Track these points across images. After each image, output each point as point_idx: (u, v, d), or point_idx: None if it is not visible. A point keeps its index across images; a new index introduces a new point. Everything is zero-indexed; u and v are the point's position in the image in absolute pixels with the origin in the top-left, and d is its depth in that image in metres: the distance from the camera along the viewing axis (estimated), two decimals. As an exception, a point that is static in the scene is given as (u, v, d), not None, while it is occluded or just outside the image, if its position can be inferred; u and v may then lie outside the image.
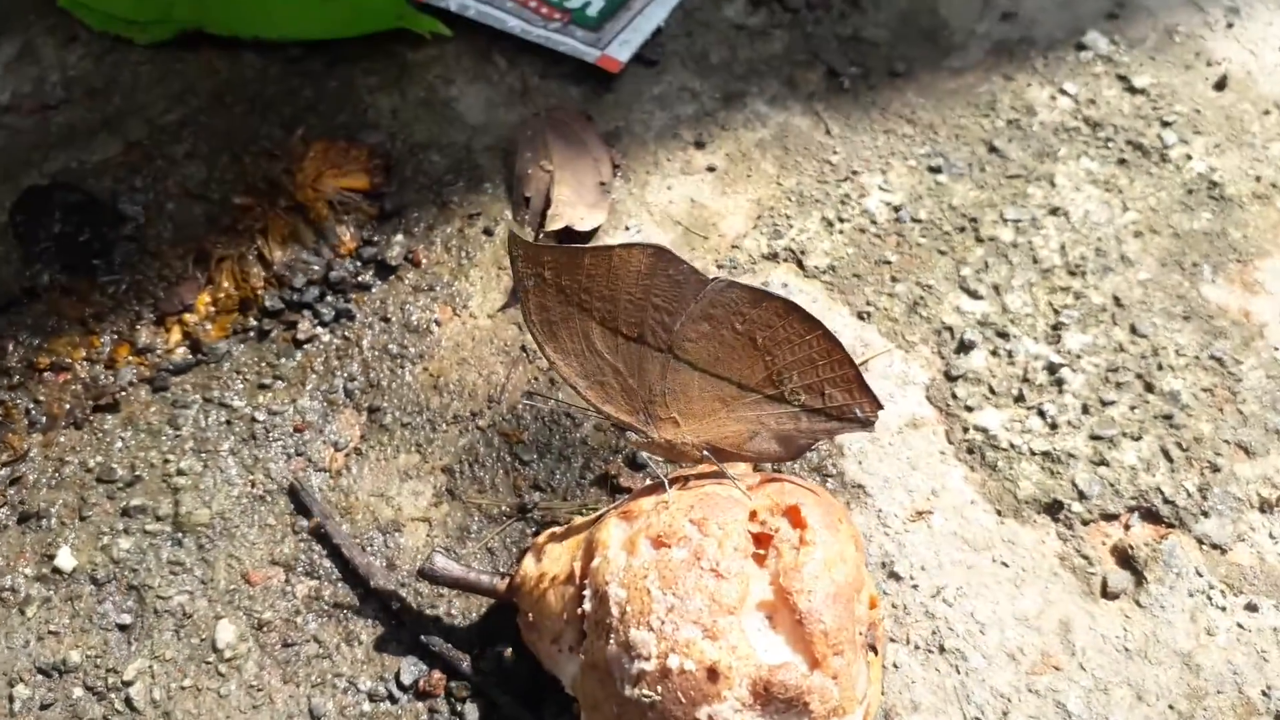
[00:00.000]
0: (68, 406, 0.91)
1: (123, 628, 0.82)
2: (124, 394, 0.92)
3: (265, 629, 0.82)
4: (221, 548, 0.85)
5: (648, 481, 0.85)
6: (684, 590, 0.65)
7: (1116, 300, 0.95)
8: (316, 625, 0.82)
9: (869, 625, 0.71)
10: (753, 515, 0.69)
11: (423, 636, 0.80)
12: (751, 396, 0.70)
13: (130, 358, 0.93)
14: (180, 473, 0.88)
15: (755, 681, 0.63)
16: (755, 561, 0.68)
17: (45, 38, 1.15)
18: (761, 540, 0.68)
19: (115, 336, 0.94)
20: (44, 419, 0.91)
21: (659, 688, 0.64)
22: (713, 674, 0.63)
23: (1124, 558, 0.83)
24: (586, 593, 0.69)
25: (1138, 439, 0.88)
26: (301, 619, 0.82)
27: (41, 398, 0.92)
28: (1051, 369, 0.91)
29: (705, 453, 0.71)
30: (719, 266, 0.98)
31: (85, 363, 0.93)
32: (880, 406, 0.69)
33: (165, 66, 1.11)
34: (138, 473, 0.88)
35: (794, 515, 0.69)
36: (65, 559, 0.85)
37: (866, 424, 0.69)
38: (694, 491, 0.71)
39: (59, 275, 0.97)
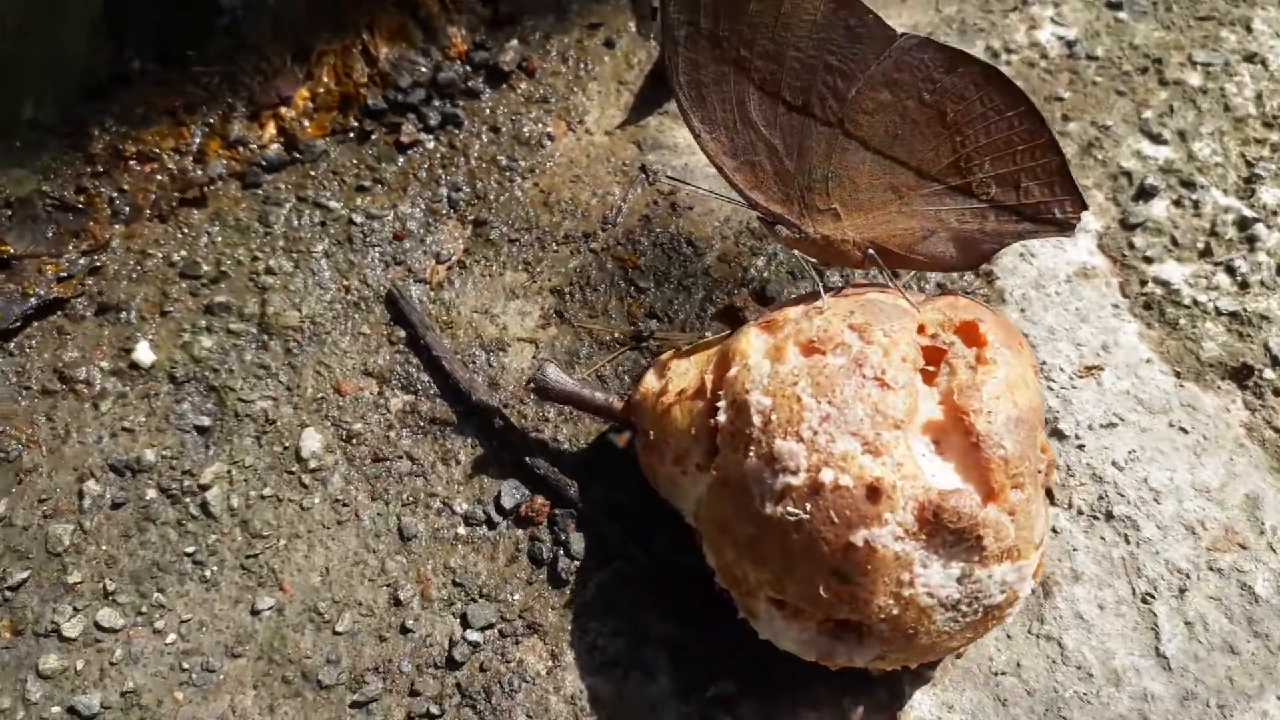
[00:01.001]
0: (153, 197, 0.84)
1: (201, 430, 0.76)
2: (213, 188, 0.85)
3: (355, 441, 0.75)
4: (310, 353, 0.78)
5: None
6: (842, 399, 0.56)
7: (1321, 156, 0.83)
8: (411, 441, 0.75)
9: (1047, 465, 0.62)
10: (921, 329, 0.60)
11: (527, 459, 0.73)
12: (931, 186, 0.60)
13: (221, 151, 0.86)
14: (269, 272, 0.81)
15: (923, 505, 0.55)
16: (924, 379, 0.59)
17: None
18: (932, 358, 0.59)
19: (206, 129, 0.87)
20: (128, 209, 0.84)
21: (808, 505, 0.55)
22: (873, 492, 0.54)
23: (1322, 433, 0.73)
24: (720, 404, 0.61)
25: (1343, 306, 0.77)
26: (395, 434, 0.75)
27: (126, 187, 0.85)
28: (1243, 224, 0.80)
29: (869, 252, 0.62)
30: (866, 96, 0.88)
31: (174, 154, 0.86)
32: (1084, 206, 0.59)
33: None
34: (224, 269, 0.81)
35: (970, 331, 0.60)
36: (144, 354, 0.78)
37: (1065, 227, 0.59)
38: (852, 297, 0.61)
39: (151, 64, 0.89)
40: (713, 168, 0.63)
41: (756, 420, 0.58)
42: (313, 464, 0.74)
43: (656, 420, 0.65)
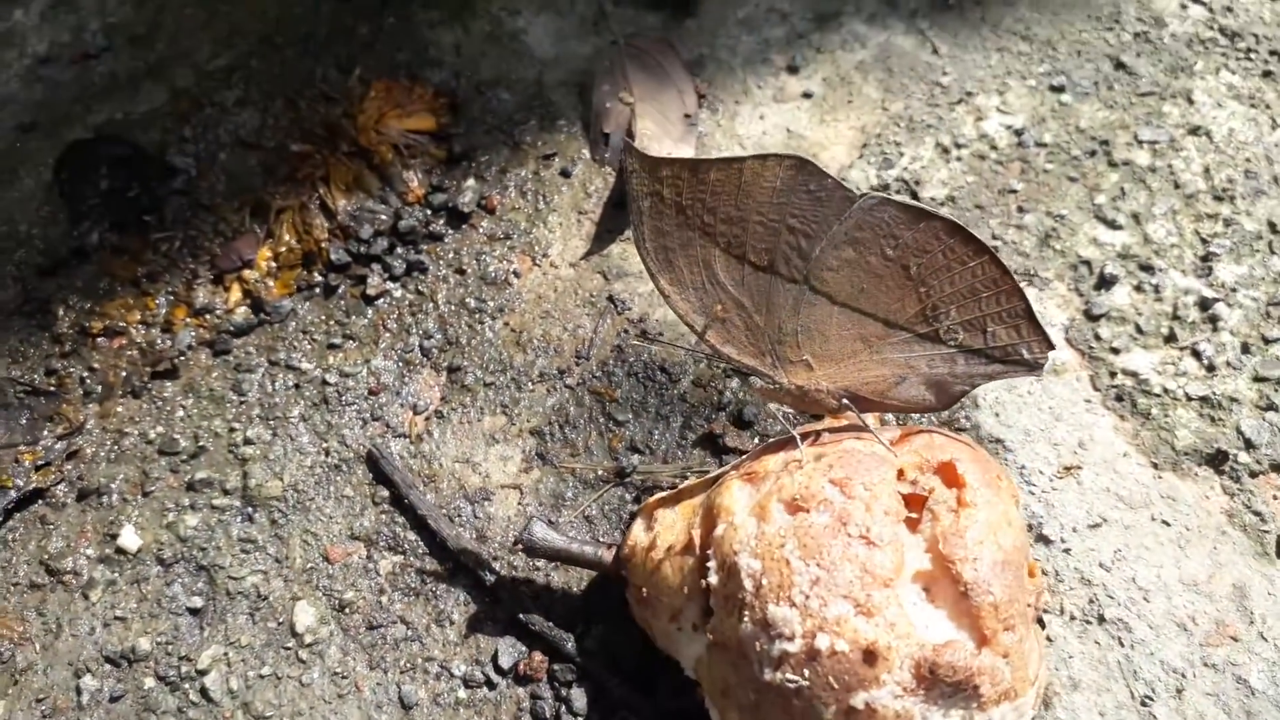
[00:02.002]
0: (124, 374, 0.84)
1: (194, 611, 0.75)
2: (183, 359, 0.85)
3: (348, 610, 0.75)
4: (296, 522, 0.78)
5: (758, 441, 0.77)
6: (830, 560, 0.57)
7: (1272, 226, 0.85)
8: (403, 605, 0.75)
9: (1036, 596, 0.62)
10: (900, 474, 0.61)
11: (520, 614, 0.73)
12: (900, 335, 0.61)
13: (188, 319, 0.86)
14: (248, 442, 0.81)
15: (918, 663, 0.55)
16: (908, 527, 0.59)
17: (82, -16, 1.08)
18: (913, 502, 0.60)
19: (171, 297, 0.87)
20: (100, 388, 0.84)
21: (806, 671, 0.56)
22: (870, 655, 0.55)
23: (1301, 513, 0.74)
24: (710, 564, 0.61)
25: (1309, 379, 0.78)
26: (387, 598, 0.75)
27: (96, 365, 0.85)
28: (1204, 304, 0.81)
29: (843, 401, 0.63)
30: (823, 203, 0.89)
31: (140, 326, 0.86)
32: (1051, 346, 0.60)
33: (210, 9, 1.04)
34: (202, 443, 0.81)
35: (948, 473, 0.61)
36: (129, 538, 0.78)
37: (1034, 367, 0.60)
38: (830, 448, 0.62)
39: (108, 234, 0.90)
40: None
41: (748, 584, 0.58)
42: (308, 638, 0.74)
43: (647, 577, 0.66)
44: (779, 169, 0.59)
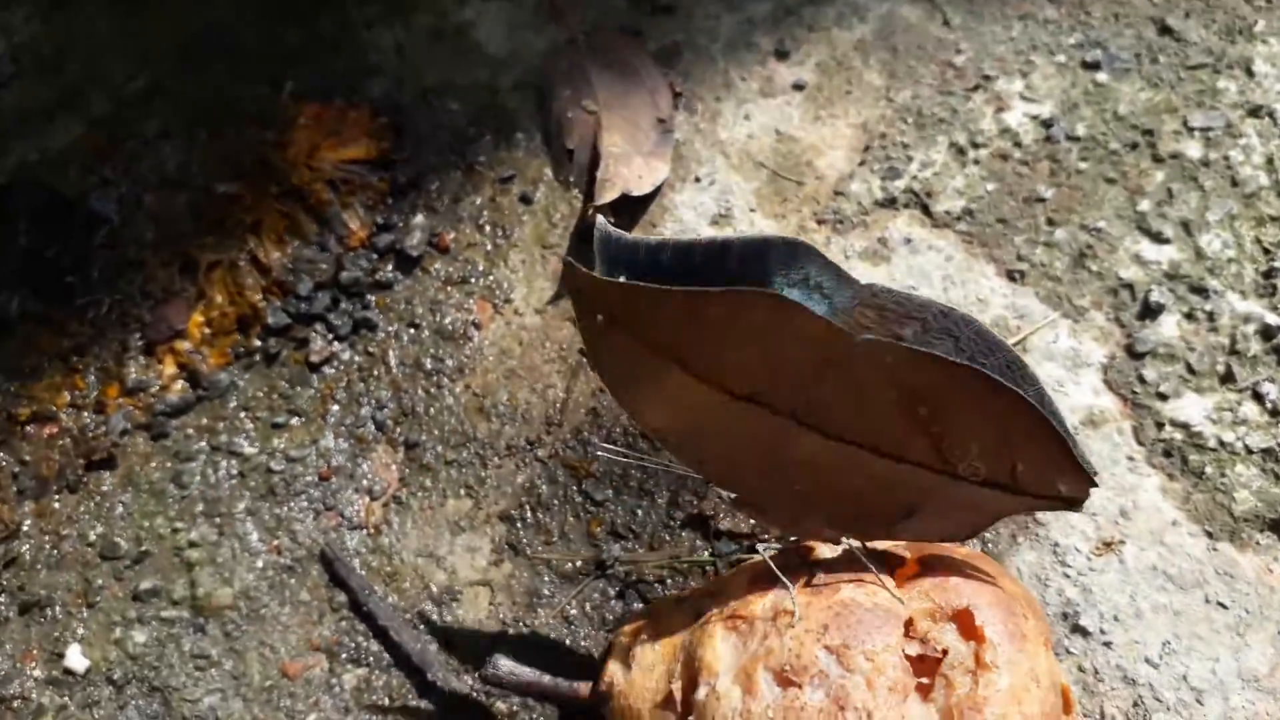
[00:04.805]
0: (58, 465, 0.77)
1: (149, 738, 0.70)
2: (118, 446, 0.77)
3: (311, 734, 0.69)
4: (251, 633, 0.71)
5: (754, 533, 0.68)
6: (824, 752, 0.49)
7: (1349, 227, 0.73)
8: (370, 726, 0.68)
9: (1068, 748, 0.54)
10: (909, 625, 0.52)
11: (495, 743, 0.66)
12: (907, 468, 0.51)
13: (120, 399, 0.78)
14: (192, 544, 0.74)
15: None
16: (918, 694, 0.51)
17: (-15, -10, 0.96)
18: (923, 664, 0.51)
19: (101, 374, 0.79)
20: (33, 483, 0.76)
21: None
22: None
23: (1380, 586, 0.64)
24: (692, 734, 0.53)
25: (1390, 421, 0.67)
26: (352, 718, 0.69)
27: (28, 457, 0.77)
28: (1268, 333, 0.70)
29: (845, 541, 0.54)
30: (820, 222, 0.78)
31: (71, 410, 0.78)
32: (1094, 484, 0.50)
33: (124, 20, 0.92)
34: (144, 546, 0.74)
35: (965, 622, 0.52)
36: (76, 658, 0.72)
37: (1072, 504, 0.51)
38: (826, 599, 0.53)
39: (30, 301, 0.81)
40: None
41: (731, 771, 0.50)
42: (271, 767, 0.68)
43: (626, 725, 0.58)
44: (758, 307, 0.48)
